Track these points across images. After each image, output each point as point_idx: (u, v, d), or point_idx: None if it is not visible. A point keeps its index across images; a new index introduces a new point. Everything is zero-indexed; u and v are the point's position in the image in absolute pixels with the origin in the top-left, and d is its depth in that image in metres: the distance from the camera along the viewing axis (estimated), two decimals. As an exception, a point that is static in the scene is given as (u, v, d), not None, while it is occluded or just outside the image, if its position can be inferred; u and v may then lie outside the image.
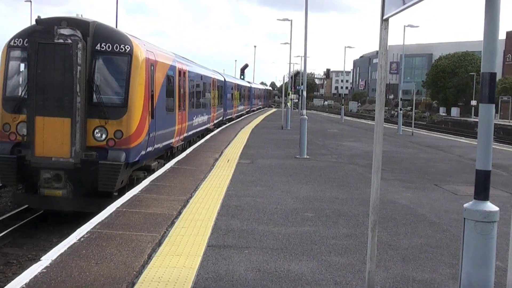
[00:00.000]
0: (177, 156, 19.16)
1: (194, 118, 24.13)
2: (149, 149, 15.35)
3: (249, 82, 71.45)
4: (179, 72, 20.28)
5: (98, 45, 13.75)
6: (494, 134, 4.51)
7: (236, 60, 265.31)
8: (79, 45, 13.11)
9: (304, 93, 23.80)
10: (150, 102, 15.09)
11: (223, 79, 39.99)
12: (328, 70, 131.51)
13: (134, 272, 6.74)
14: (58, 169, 13.27)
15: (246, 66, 74.95)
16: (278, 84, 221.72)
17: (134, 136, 13.90)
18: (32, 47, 13.22)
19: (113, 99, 13.99)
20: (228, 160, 18.19)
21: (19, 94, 13.90)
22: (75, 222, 14.14)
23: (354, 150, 23.75)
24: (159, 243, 8.05)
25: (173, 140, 19.19)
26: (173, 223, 9.30)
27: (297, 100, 66.25)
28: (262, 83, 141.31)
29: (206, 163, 17.15)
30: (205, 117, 28.31)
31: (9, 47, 14.22)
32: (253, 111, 69.13)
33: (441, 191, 13.72)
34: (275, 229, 9.18)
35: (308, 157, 19.88)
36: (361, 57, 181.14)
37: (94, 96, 13.67)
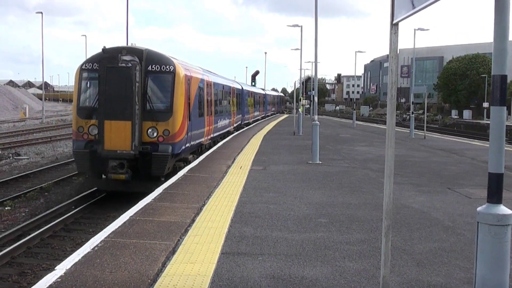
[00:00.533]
0: (205, 152, 23.22)
1: (218, 121, 28.96)
2: (187, 144, 19.63)
3: (263, 89, 77.04)
4: (207, 83, 24.76)
5: (150, 66, 17.90)
6: (506, 136, 4.50)
7: (247, 67, 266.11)
8: (137, 68, 17.41)
9: (316, 99, 23.79)
10: (188, 109, 19.36)
11: (241, 88, 44.23)
12: (339, 75, 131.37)
13: (149, 281, 6.76)
14: (121, 159, 17.29)
15: (257, 72, 75.03)
16: (290, 90, 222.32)
17: (177, 134, 18.14)
18: (102, 69, 17.52)
19: (161, 106, 18.13)
20: (241, 167, 18.19)
21: (90, 104, 18.12)
22: (89, 230, 14.23)
23: (366, 154, 23.68)
24: (173, 251, 8.06)
25: (203, 139, 23.71)
26: (186, 231, 9.32)
27: (308, 106, 66.30)
28: (273, 89, 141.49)
29: (219, 170, 17.16)
30: (226, 121, 33.37)
31: (81, 69, 18.39)
32: (268, 116, 73.08)
33: (454, 195, 13.65)
34: (289, 235, 9.17)
35: (320, 162, 19.85)
36: (372, 61, 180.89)
37: (147, 104, 17.79)
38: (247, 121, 48.93)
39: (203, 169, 17.50)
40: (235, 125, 39.09)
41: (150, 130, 17.69)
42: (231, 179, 15.36)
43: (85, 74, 18.50)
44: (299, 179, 15.87)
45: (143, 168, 17.54)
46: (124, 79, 17.38)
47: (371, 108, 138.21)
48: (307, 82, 75.42)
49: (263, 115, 68.40)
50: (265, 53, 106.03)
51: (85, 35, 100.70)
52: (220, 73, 33.19)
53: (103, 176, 17.88)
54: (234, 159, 20.40)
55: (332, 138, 34.33)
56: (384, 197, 5.66)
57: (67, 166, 26.36)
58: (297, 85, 59.73)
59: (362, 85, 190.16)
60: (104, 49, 17.93)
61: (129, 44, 19.84)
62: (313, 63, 24.60)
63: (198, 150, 23.41)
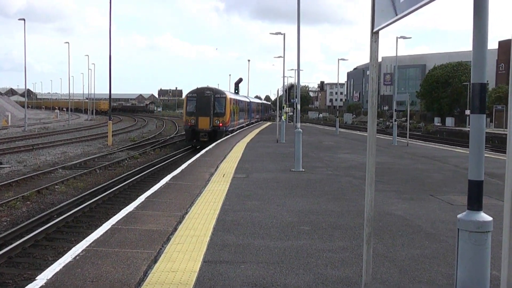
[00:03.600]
0: (233, 132, 49.09)
1: (239, 119, 55.92)
2: (230, 128, 45.66)
3: (259, 99, 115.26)
4: (235, 100, 50.74)
5: (216, 95, 42.61)
6: (489, 143, 4.53)
7: (230, 74, 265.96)
8: (212, 96, 42.19)
9: (298, 106, 23.83)
10: (231, 113, 44.81)
11: (249, 101, 70.58)
12: (322, 83, 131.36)
13: (130, 290, 6.71)
14: (205, 132, 41.33)
15: (240, 80, 74.94)
16: (273, 97, 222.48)
17: (227, 123, 43.31)
18: (197, 96, 42.26)
19: (220, 111, 42.43)
20: (224, 174, 18.17)
21: (191, 110, 42.14)
22: (71, 239, 14.12)
23: (349, 162, 23.75)
24: (155, 260, 8.02)
25: (235, 127, 49.96)
26: (168, 239, 9.28)
27: (292, 113, 66.55)
28: (257, 97, 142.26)
29: (201, 178, 17.13)
30: (242, 120, 59.94)
31: (187, 96, 43.33)
32: (262, 119, 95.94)
33: (437, 202, 13.72)
34: (271, 243, 9.16)
35: (303, 170, 19.88)
36: (354, 69, 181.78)
37: (215, 110, 42.03)
38: (252, 121, 74.45)
39: (186, 177, 17.46)
40: (247, 122, 65.51)
41: (216, 120, 41.94)
42: (213, 187, 15.34)
43: (188, 98, 42.95)
44: (282, 186, 15.89)
45: (213, 136, 41.03)
46: (207, 100, 42.05)
47: (354, 115, 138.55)
48: (290, 90, 75.66)
49: (260, 118, 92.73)
50: (248, 60, 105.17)
51: (68, 42, 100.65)
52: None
53: (194, 140, 41.63)
54: (217, 167, 20.39)
55: (315, 145, 34.43)
56: (365, 205, 5.68)
57: (49, 174, 26.17)
58: (280, 93, 60.06)
59: (345, 93, 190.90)
60: (198, 88, 43.31)
61: (206, 85, 44.71)
62: (296, 71, 24.67)
63: (232, 132, 47.88)
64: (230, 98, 45.59)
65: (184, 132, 44.85)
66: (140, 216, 11.08)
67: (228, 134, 44.36)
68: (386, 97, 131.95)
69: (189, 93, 43.20)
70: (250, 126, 66.25)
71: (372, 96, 5.56)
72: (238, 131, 51.03)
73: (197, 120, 41.54)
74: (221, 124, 41.99)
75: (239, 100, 55.36)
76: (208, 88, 43.37)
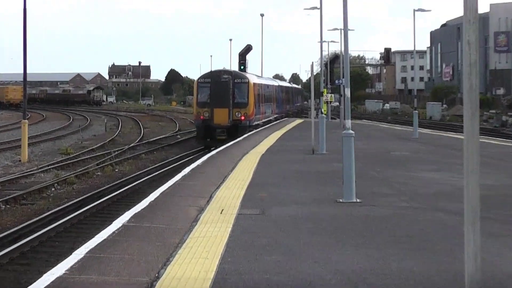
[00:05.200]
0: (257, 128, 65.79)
1: (266, 112, 74.65)
2: (255, 122, 64.88)
3: (289, 83, 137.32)
4: (261, 86, 71.55)
5: (236, 79, 60.94)
6: None
7: (231, 39, 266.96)
8: (230, 81, 59.96)
9: (348, 92, 23.63)
10: (255, 103, 63.59)
11: (277, 84, 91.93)
12: (387, 51, 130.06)
13: None
14: (223, 128, 58.08)
15: (248, 49, 75.54)
16: (304, 78, 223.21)
17: (250, 115, 60.94)
18: (212, 82, 59.98)
19: (242, 101, 60.43)
20: (222, 209, 18.15)
21: (204, 100, 60.04)
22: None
23: (437, 186, 23.64)
24: None
25: (260, 121, 68.81)
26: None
27: (338, 103, 66.63)
28: (276, 77, 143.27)
29: (184, 217, 17.13)
30: (270, 112, 77.50)
31: (199, 82, 62.41)
32: (291, 113, 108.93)
33: None
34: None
35: (358, 200, 19.78)
36: (443, 26, 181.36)
37: (235, 100, 59.62)
38: (282, 114, 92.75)
39: (158, 215, 17.44)
40: (275, 116, 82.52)
41: (237, 113, 57.76)
42: (204, 232, 15.32)
43: (200, 84, 60.35)
44: (322, 230, 15.85)
45: (233, 133, 54.99)
46: (224, 87, 58.01)
47: (445, 105, 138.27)
48: (333, 64, 76.16)
49: (291, 109, 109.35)
50: (261, 15, 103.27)
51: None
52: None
53: (208, 139, 57.48)
54: (211, 197, 20.39)
55: (379, 158, 34.48)
56: (465, 261, 5.61)
57: None
58: (317, 69, 60.40)
59: (428, 67, 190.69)
60: (212, 71, 63.86)
61: (223, 68, 69.58)
62: (342, 31, 24.60)
63: (256, 127, 62.42)
64: (254, 83, 62.86)
65: (196, 129, 62.24)
66: (78, 284, 11.04)
67: (252, 130, 59.04)
68: (500, 73, 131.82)
69: (201, 77, 60.85)
70: (278, 122, 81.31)
71: (470, 73, 5.47)
72: (264, 127, 68.06)
73: (211, 113, 56.79)
74: (243, 118, 57.70)
75: (265, 85, 74.58)
76: (225, 71, 61.52)
